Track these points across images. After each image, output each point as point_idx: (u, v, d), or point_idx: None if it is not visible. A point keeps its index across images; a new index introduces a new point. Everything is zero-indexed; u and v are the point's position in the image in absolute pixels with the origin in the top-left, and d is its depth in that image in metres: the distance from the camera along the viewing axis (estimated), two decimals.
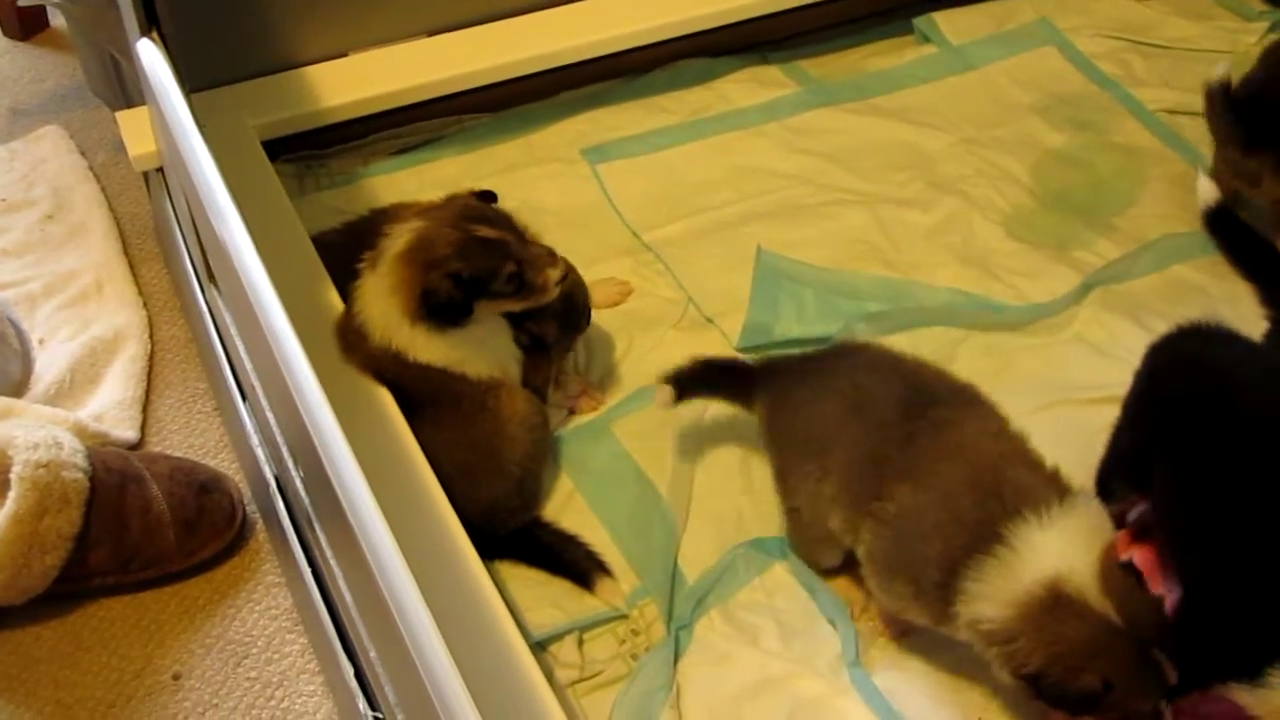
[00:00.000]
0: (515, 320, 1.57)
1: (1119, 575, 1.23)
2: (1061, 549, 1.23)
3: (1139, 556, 1.50)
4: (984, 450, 1.32)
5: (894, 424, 1.35)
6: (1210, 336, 1.44)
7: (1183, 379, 1.41)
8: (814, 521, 1.44)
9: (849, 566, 1.50)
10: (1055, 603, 1.21)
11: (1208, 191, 1.57)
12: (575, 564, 1.51)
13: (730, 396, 1.60)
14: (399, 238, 1.49)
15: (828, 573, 1.51)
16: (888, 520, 1.33)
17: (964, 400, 1.38)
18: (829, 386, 1.42)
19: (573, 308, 1.63)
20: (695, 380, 1.57)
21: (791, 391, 1.48)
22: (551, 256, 1.52)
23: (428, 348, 1.49)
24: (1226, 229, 1.57)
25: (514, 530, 1.55)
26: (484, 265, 1.47)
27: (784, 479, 1.48)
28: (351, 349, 1.51)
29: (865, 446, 1.36)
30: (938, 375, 1.42)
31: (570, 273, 1.56)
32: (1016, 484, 1.28)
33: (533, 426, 1.55)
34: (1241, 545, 1.27)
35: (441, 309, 1.46)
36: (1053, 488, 1.28)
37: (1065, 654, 1.20)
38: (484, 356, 1.52)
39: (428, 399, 1.50)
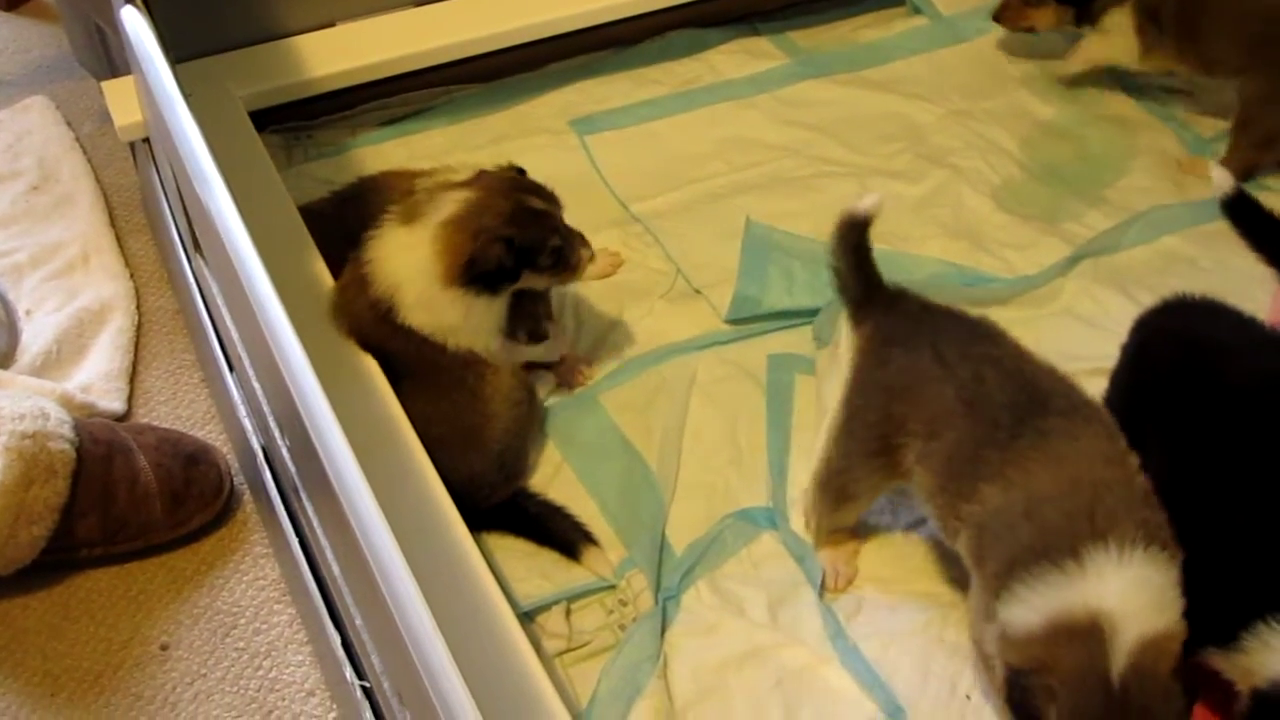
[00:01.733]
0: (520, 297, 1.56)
1: (1159, 675, 1.15)
2: (1125, 595, 1.16)
3: None
4: (1088, 469, 1.25)
5: (1002, 426, 1.28)
6: (1197, 309, 1.44)
7: (1170, 352, 1.41)
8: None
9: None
10: (1085, 634, 1.15)
11: (1223, 180, 1.57)
12: (562, 534, 1.51)
13: (848, 285, 1.48)
14: (445, 206, 1.48)
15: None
16: (977, 524, 1.28)
17: (1081, 415, 1.29)
18: (954, 372, 1.34)
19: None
20: (855, 239, 1.47)
21: (913, 345, 1.38)
22: (583, 238, 1.54)
23: (441, 311, 1.47)
24: (1245, 216, 1.57)
25: (499, 502, 1.54)
26: (534, 236, 1.48)
27: (864, 413, 1.41)
28: (343, 302, 1.52)
29: (969, 446, 1.30)
30: (1061, 386, 1.33)
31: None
32: (1111, 511, 1.21)
33: (516, 403, 1.55)
34: (1228, 515, 1.27)
35: (489, 275, 1.46)
36: (1143, 530, 1.20)
37: (1046, 674, 1.16)
38: (475, 333, 1.51)
39: (408, 367, 1.50)
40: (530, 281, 1.52)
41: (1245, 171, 1.96)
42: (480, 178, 1.53)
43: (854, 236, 1.47)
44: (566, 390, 1.70)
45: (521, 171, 1.58)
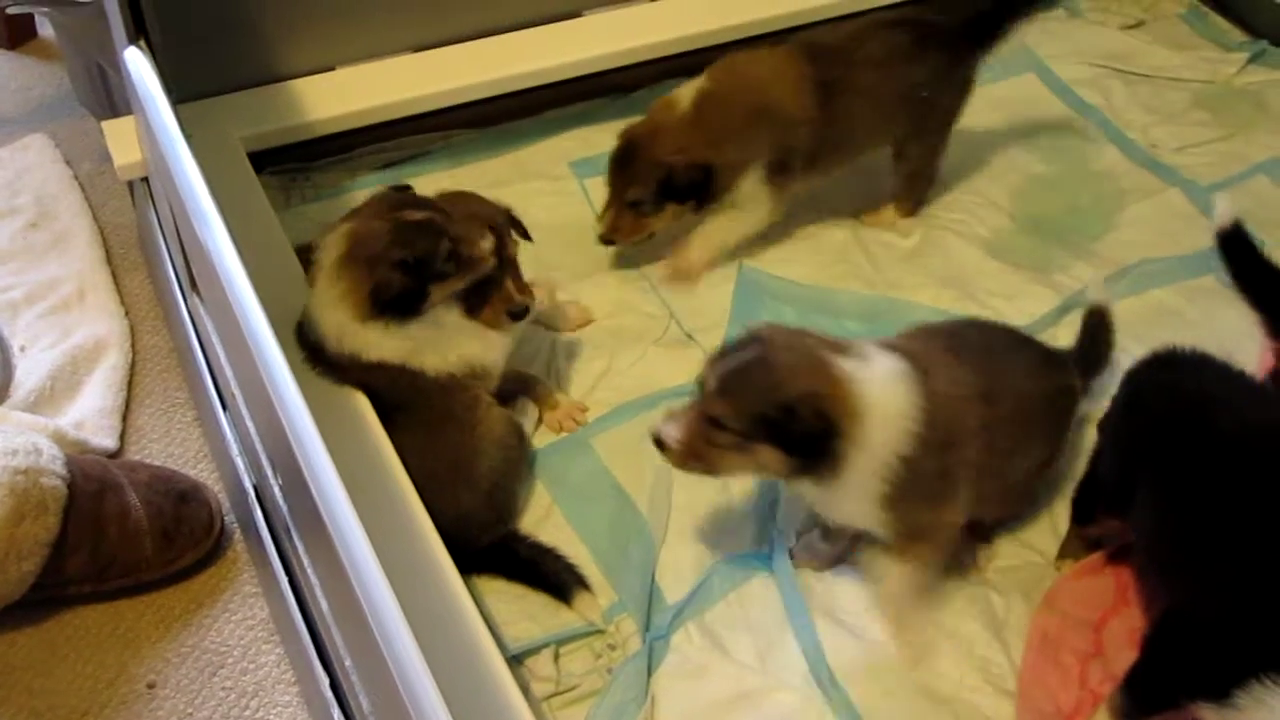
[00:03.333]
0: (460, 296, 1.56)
1: (814, 395, 1.28)
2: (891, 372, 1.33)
3: (1114, 577, 1.51)
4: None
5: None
6: (1187, 361, 1.45)
7: (1161, 404, 1.42)
8: None
9: None
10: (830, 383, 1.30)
11: (1224, 213, 1.59)
12: (554, 576, 1.52)
13: None
14: (332, 246, 1.49)
15: None
16: None
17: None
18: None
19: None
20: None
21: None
22: (481, 227, 1.54)
23: (381, 345, 1.48)
24: (1238, 253, 1.59)
25: (490, 544, 1.55)
26: (423, 247, 1.47)
27: None
28: (315, 360, 1.52)
29: None
30: (1017, 389, 1.45)
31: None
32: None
33: (507, 446, 1.56)
34: (1219, 567, 1.28)
35: (396, 301, 1.46)
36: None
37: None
38: (439, 347, 1.52)
39: (397, 402, 1.51)
40: (444, 289, 1.51)
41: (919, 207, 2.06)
42: (359, 208, 1.54)
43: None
44: (559, 433, 1.71)
45: (402, 189, 1.59)
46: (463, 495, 1.52)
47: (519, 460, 1.60)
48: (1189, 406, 1.37)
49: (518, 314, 1.58)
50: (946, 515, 1.41)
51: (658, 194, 1.82)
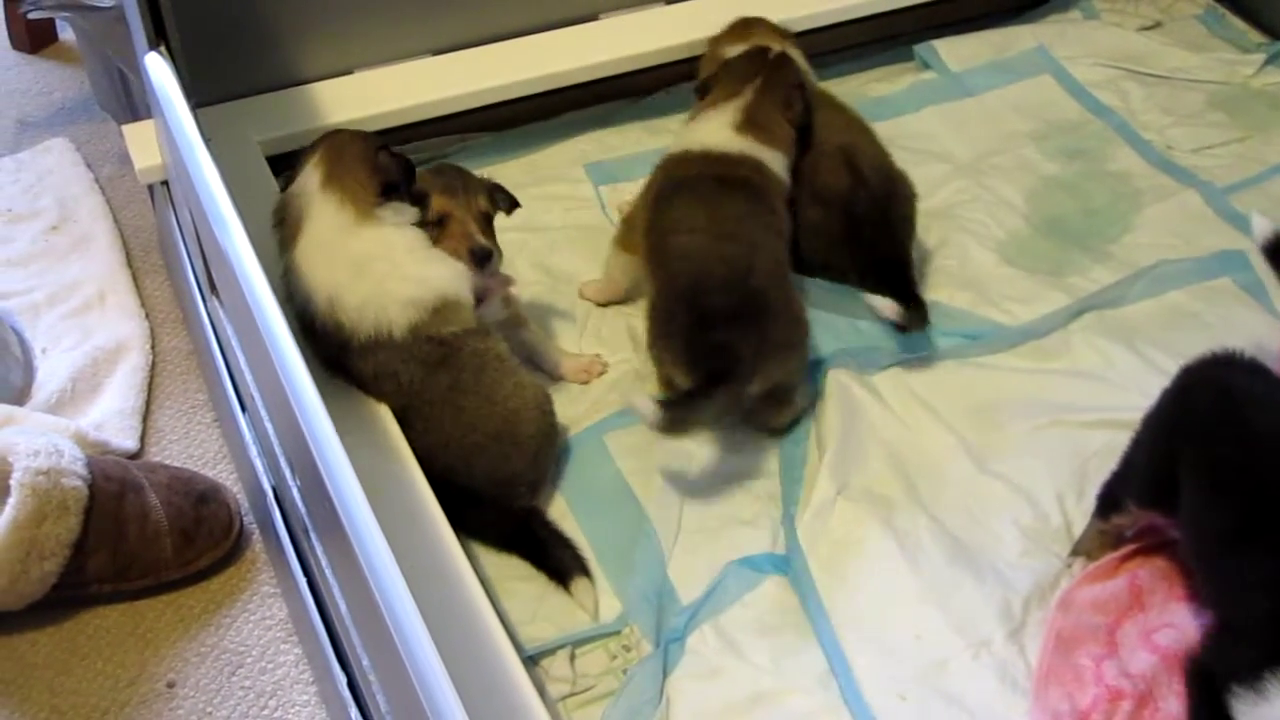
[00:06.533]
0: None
1: None
2: None
3: (1128, 581, 1.51)
4: None
5: None
6: (1240, 365, 1.42)
7: (1209, 402, 1.40)
8: None
9: None
10: None
11: (1263, 226, 1.58)
12: (559, 561, 1.52)
13: None
14: (311, 177, 1.56)
15: None
16: None
17: None
18: None
19: None
20: None
21: None
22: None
23: (373, 266, 1.52)
24: None
25: (517, 512, 1.57)
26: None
27: None
28: (337, 359, 1.54)
29: None
30: None
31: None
32: None
33: (544, 411, 1.59)
34: (1255, 562, 1.26)
35: (395, 184, 1.56)
36: None
37: None
38: (414, 264, 1.54)
39: (422, 389, 1.52)
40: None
41: None
42: (320, 140, 1.63)
43: None
44: (570, 427, 1.71)
45: None
46: (513, 458, 1.55)
47: (554, 423, 1.63)
48: (1234, 406, 1.36)
49: (479, 254, 1.60)
50: None
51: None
